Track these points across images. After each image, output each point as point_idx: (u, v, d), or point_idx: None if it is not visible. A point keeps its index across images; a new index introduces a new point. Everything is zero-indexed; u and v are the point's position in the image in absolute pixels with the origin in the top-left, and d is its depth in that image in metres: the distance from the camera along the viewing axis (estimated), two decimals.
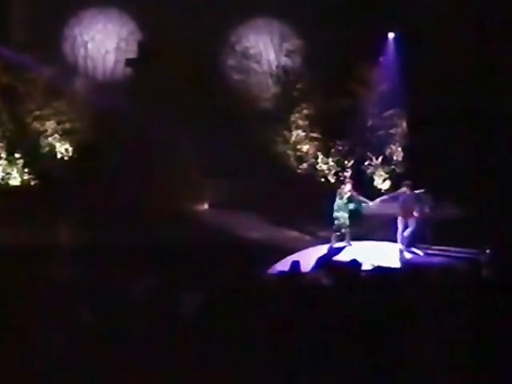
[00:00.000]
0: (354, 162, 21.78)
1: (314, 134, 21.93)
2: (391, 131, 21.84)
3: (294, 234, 17.77)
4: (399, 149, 21.82)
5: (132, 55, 21.97)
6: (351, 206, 16.64)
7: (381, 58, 21.25)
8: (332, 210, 16.57)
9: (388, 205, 17.92)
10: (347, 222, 16.45)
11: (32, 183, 21.31)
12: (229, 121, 20.53)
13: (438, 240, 15.66)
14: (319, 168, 21.70)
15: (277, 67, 22.29)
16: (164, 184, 20.04)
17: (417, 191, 16.39)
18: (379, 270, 8.18)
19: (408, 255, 15.80)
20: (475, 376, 6.20)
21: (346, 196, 16.68)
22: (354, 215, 16.72)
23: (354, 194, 16.82)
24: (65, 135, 21.79)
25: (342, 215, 16.45)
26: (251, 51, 22.17)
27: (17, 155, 21.33)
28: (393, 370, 6.29)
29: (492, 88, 19.50)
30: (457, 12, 19.80)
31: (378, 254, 14.64)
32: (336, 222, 16.50)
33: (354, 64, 20.85)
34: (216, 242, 16.46)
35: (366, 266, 8.87)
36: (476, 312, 6.51)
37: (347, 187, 16.93)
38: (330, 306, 6.83)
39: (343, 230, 16.51)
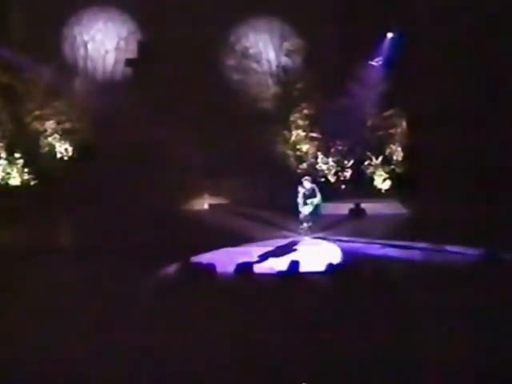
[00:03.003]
0: (354, 161, 21.80)
1: (314, 134, 21.94)
2: (391, 131, 21.84)
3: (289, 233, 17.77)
4: (399, 149, 21.82)
5: (132, 55, 21.97)
6: (311, 201, 17.16)
7: (380, 58, 21.25)
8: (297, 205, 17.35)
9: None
10: (309, 217, 17.20)
11: (32, 183, 21.31)
12: (229, 121, 20.52)
13: (438, 239, 15.63)
14: (319, 168, 21.71)
15: (277, 67, 22.29)
16: (164, 184, 20.03)
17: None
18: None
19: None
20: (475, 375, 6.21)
21: (304, 192, 17.18)
22: (315, 211, 17.33)
23: (312, 190, 17.15)
24: (64, 135, 21.80)
25: (303, 210, 17.18)
26: (251, 51, 22.17)
27: (17, 155, 21.33)
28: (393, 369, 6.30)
29: (492, 87, 19.48)
30: (456, 12, 19.79)
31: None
32: (300, 216, 17.25)
33: (353, 64, 20.85)
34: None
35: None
36: (475, 310, 6.52)
37: (306, 184, 17.23)
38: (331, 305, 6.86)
39: (305, 224, 17.20)
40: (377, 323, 6.69)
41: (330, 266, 8.65)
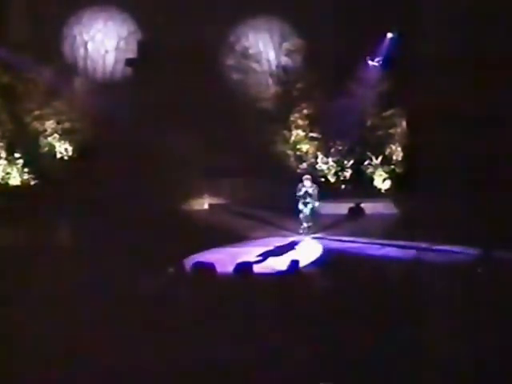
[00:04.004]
0: (354, 161, 21.80)
1: (314, 134, 21.95)
2: (391, 131, 21.85)
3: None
4: (399, 149, 21.83)
5: (132, 55, 21.97)
6: (309, 201, 17.08)
7: (380, 58, 21.25)
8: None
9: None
10: (308, 217, 17.17)
11: (32, 183, 21.30)
12: (229, 121, 20.53)
13: (436, 239, 15.64)
14: (319, 168, 21.71)
15: (277, 67, 22.29)
16: (164, 184, 20.04)
17: None
18: None
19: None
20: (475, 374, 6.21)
21: (303, 191, 17.08)
22: (314, 210, 17.35)
23: (311, 190, 17.11)
24: (64, 135, 21.80)
25: (303, 210, 17.15)
26: (251, 51, 22.17)
27: (16, 155, 21.33)
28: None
29: (492, 87, 19.48)
30: (456, 11, 19.80)
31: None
32: (300, 216, 17.20)
33: (353, 64, 20.87)
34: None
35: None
36: (474, 309, 6.53)
37: (306, 183, 17.21)
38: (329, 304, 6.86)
39: (305, 224, 17.16)
40: (376, 323, 6.70)
41: (329, 265, 8.67)
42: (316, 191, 17.32)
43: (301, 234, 17.17)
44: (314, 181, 18.13)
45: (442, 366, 6.28)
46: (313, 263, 13.93)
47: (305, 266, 11.82)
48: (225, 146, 20.03)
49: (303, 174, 18.38)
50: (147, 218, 18.00)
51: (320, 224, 17.60)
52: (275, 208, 18.71)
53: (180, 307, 7.32)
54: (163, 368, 6.51)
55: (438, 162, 19.71)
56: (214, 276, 8.55)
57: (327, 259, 14.73)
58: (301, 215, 17.21)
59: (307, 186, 17.28)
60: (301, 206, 17.15)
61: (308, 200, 17.16)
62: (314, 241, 16.94)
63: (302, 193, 17.17)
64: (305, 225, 17.20)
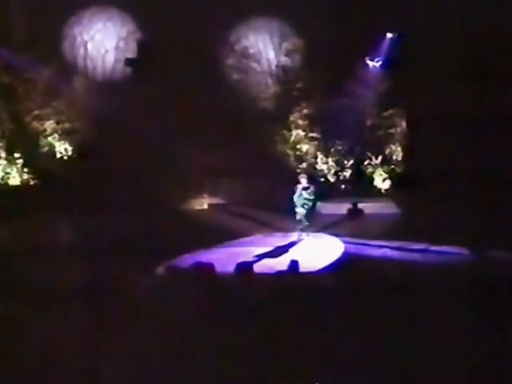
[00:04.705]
0: (354, 161, 21.82)
1: (314, 134, 21.95)
2: (390, 131, 21.86)
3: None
4: (399, 148, 21.84)
5: (132, 55, 21.97)
6: (306, 201, 17.03)
7: (380, 58, 21.27)
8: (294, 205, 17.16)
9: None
10: (304, 217, 16.98)
11: (32, 183, 21.31)
12: (229, 121, 20.54)
13: (436, 239, 15.64)
14: (319, 168, 21.72)
15: (276, 67, 22.30)
16: (164, 184, 20.05)
17: None
18: None
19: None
20: (474, 375, 6.21)
21: (299, 191, 17.04)
22: (311, 210, 17.18)
23: (309, 190, 17.11)
24: (64, 135, 21.80)
25: (299, 210, 17.02)
26: (251, 51, 22.19)
27: (16, 155, 21.33)
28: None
29: (492, 88, 19.50)
30: (456, 12, 19.82)
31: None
32: (297, 216, 17.03)
33: (353, 64, 20.88)
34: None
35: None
36: (473, 310, 6.54)
37: (303, 181, 17.17)
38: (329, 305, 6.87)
39: (302, 225, 16.99)
40: (375, 323, 6.70)
41: (329, 264, 8.68)
42: (313, 190, 17.25)
43: (299, 233, 17.13)
44: (312, 180, 18.06)
45: (441, 367, 6.28)
46: (312, 263, 13.92)
47: (308, 266, 11.78)
48: (225, 146, 20.03)
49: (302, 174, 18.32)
50: (147, 217, 18.02)
51: (319, 224, 17.58)
52: (275, 208, 18.70)
53: (179, 307, 7.32)
54: (162, 367, 6.51)
55: (437, 162, 19.73)
56: (214, 276, 8.55)
57: (330, 258, 14.74)
58: (298, 215, 17.14)
59: (304, 185, 17.20)
60: (298, 206, 17.08)
61: (305, 200, 17.08)
62: (315, 240, 16.90)
63: (298, 192, 17.10)
64: (303, 224, 17.10)
